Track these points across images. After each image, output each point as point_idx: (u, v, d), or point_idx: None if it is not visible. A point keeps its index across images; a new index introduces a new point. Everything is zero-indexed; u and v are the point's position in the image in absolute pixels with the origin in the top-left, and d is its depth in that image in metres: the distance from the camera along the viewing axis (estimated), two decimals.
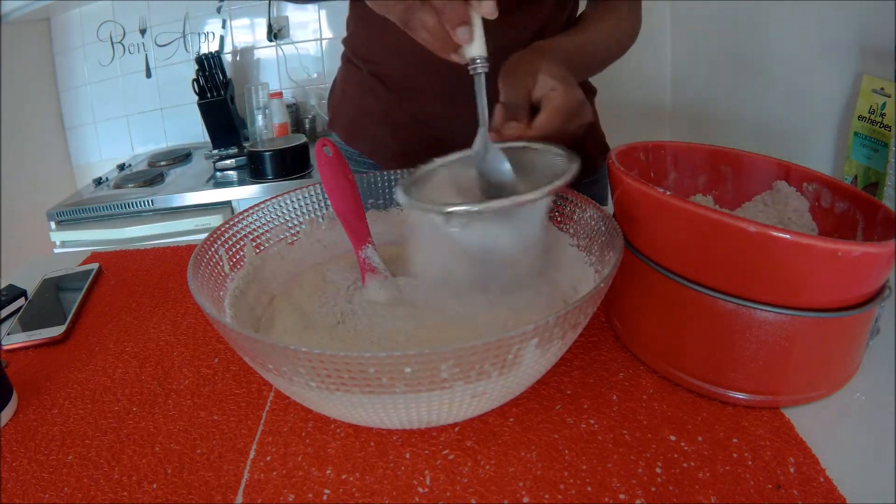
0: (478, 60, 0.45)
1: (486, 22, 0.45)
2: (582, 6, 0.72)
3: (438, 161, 0.49)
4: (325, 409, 0.40)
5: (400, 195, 0.42)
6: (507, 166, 0.45)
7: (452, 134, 0.51)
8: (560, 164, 0.44)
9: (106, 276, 0.72)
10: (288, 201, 0.57)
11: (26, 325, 0.60)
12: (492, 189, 0.45)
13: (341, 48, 0.83)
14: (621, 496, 0.36)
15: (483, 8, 0.43)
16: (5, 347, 0.57)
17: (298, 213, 0.58)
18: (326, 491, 0.38)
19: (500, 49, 0.58)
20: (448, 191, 0.46)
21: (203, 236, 0.49)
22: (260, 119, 1.94)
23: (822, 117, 1.04)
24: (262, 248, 0.55)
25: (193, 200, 1.63)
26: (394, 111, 0.75)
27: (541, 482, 0.38)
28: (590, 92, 0.82)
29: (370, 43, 0.75)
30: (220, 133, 1.91)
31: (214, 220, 1.60)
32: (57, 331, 0.58)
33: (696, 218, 0.40)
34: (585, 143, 0.81)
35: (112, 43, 2.01)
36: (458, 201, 0.41)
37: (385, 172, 0.60)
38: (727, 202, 0.57)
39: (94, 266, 0.72)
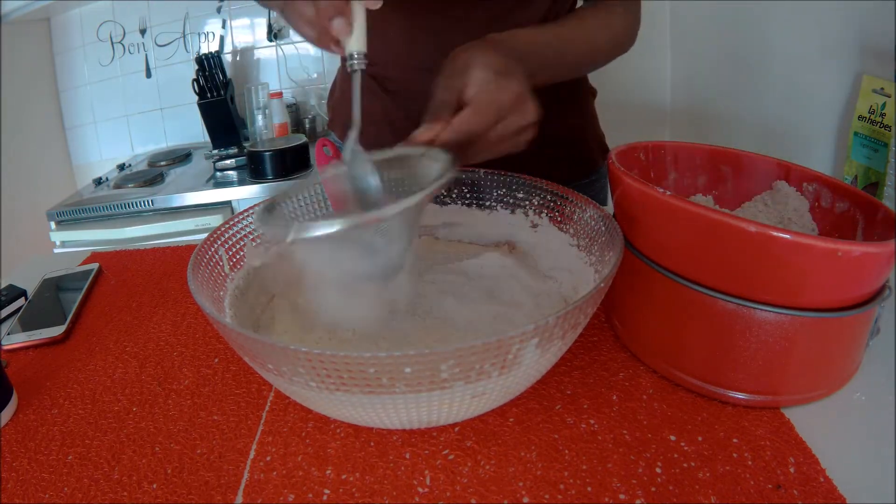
0: (355, 56, 0.42)
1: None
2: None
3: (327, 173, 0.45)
4: (325, 409, 0.40)
5: (258, 218, 0.39)
6: (371, 179, 0.41)
7: None
8: (434, 173, 0.41)
9: (106, 276, 0.72)
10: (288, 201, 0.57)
11: (26, 325, 0.60)
12: (366, 200, 0.43)
13: None
14: (621, 496, 0.36)
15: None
16: (5, 347, 0.57)
17: (298, 213, 0.58)
18: (326, 491, 0.38)
19: None
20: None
21: (203, 236, 0.49)
22: (260, 119, 1.94)
23: (822, 117, 1.04)
24: (261, 248, 0.55)
25: (193, 200, 1.63)
26: (392, 112, 0.75)
27: (541, 482, 0.38)
28: (588, 93, 0.82)
29: (368, 46, 0.75)
30: (220, 133, 1.90)
31: (214, 220, 1.60)
32: (57, 331, 0.58)
33: (696, 218, 0.40)
34: (585, 142, 0.81)
35: (112, 43, 2.01)
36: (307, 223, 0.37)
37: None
38: (727, 202, 0.57)
39: (94, 266, 0.72)
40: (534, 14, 0.68)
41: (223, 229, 0.51)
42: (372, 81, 0.76)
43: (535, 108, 0.47)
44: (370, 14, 0.45)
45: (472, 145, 0.45)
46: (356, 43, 0.42)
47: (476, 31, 0.57)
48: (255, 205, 0.55)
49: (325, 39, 0.44)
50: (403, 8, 0.68)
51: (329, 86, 0.88)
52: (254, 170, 1.66)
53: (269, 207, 0.44)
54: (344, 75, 0.82)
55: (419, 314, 0.49)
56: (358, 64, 0.42)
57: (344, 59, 0.79)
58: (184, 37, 2.01)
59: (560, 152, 0.76)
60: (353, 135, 0.42)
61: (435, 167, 0.42)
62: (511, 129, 0.46)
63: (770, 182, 0.54)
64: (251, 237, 0.54)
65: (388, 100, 0.75)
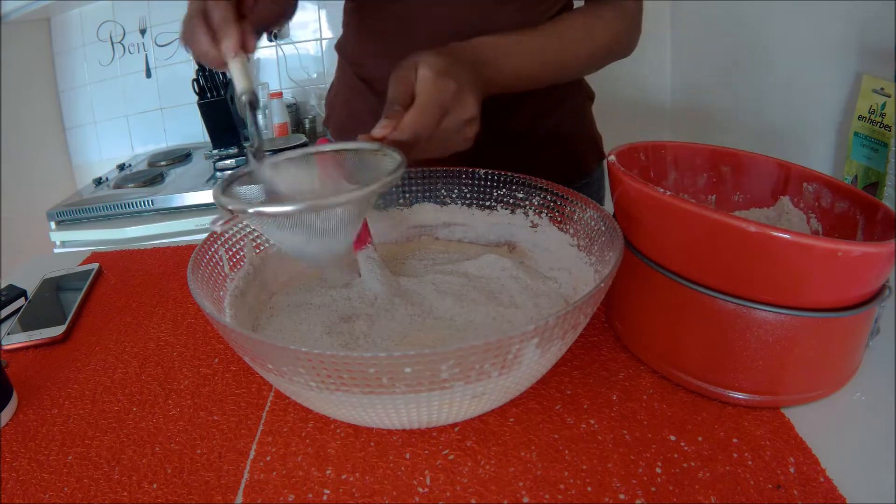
0: (242, 96, 0.47)
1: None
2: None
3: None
4: (325, 409, 0.40)
5: (217, 192, 0.42)
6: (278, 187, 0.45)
7: None
8: (387, 166, 0.44)
9: (106, 276, 0.72)
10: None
11: (26, 325, 0.60)
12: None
13: None
14: (621, 496, 0.36)
15: (230, 55, 0.46)
16: (5, 347, 0.57)
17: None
18: (326, 491, 0.38)
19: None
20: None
21: (203, 236, 0.49)
22: (260, 119, 1.94)
23: (822, 117, 1.04)
24: (262, 248, 0.55)
25: (193, 200, 1.63)
26: (380, 112, 0.75)
27: (541, 482, 0.38)
28: (584, 96, 0.82)
29: (357, 47, 0.76)
30: (220, 133, 1.90)
31: None
32: (57, 331, 0.58)
33: (696, 218, 0.40)
34: (579, 145, 0.81)
35: (112, 43, 2.01)
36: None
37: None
38: (727, 202, 0.57)
39: (94, 266, 0.72)
40: (519, 14, 0.68)
41: (223, 229, 0.51)
42: (360, 82, 0.76)
43: (474, 104, 0.50)
44: (366, 15, 0.46)
45: (419, 142, 0.47)
46: (240, 86, 0.48)
47: (463, 32, 0.57)
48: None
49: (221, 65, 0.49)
50: (391, 9, 0.68)
51: (329, 85, 0.88)
52: None
53: (229, 182, 0.46)
54: (338, 75, 0.82)
55: (419, 314, 0.49)
56: (246, 97, 0.48)
57: (340, 62, 0.80)
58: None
59: (550, 154, 0.76)
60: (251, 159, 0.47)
61: (387, 162, 0.45)
62: (453, 124, 0.49)
63: (770, 187, 0.54)
64: (251, 237, 0.54)
65: (375, 100, 0.75)
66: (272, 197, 0.45)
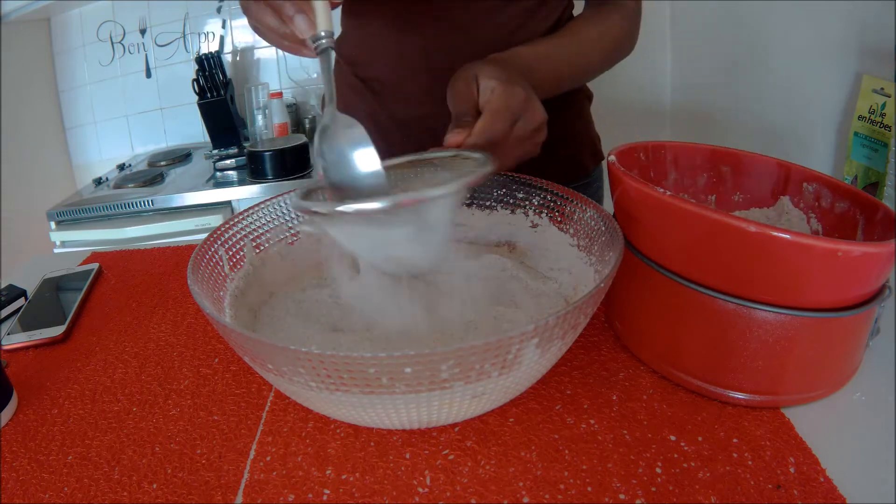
0: (321, 36, 0.42)
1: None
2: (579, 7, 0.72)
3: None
4: (325, 409, 0.40)
5: (294, 199, 0.40)
6: (358, 149, 0.41)
7: (437, 135, 0.50)
8: (472, 167, 0.43)
9: (106, 276, 0.72)
10: (288, 201, 0.57)
11: (26, 325, 0.60)
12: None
13: None
14: (621, 496, 0.36)
15: None
16: (5, 347, 0.57)
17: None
18: (326, 491, 0.38)
19: (478, 51, 0.58)
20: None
21: (203, 236, 0.49)
22: (260, 119, 1.94)
23: (822, 117, 1.04)
24: (262, 248, 0.55)
25: (193, 200, 1.63)
26: (378, 113, 0.75)
27: (541, 482, 0.38)
28: (583, 97, 0.82)
29: (355, 47, 0.76)
30: (220, 133, 1.90)
31: (214, 220, 1.60)
32: (57, 331, 0.58)
33: (696, 218, 0.40)
34: (577, 146, 0.81)
35: (112, 43, 2.01)
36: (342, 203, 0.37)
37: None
38: (727, 202, 0.57)
39: (94, 266, 0.72)
40: (520, 16, 0.68)
41: (223, 229, 0.51)
42: (358, 82, 0.76)
43: (542, 109, 0.51)
44: (363, 15, 0.45)
45: (494, 150, 0.47)
46: (321, 23, 0.43)
47: (461, 32, 0.57)
48: (255, 205, 0.55)
49: (295, 46, 0.45)
50: (390, 8, 0.68)
51: None
52: (254, 170, 1.66)
53: (307, 193, 0.44)
54: (338, 74, 0.82)
55: (420, 314, 0.49)
56: (326, 43, 0.43)
57: (338, 62, 0.80)
58: (184, 37, 2.01)
59: (548, 154, 0.76)
60: (331, 108, 0.42)
61: (469, 163, 0.44)
62: (526, 130, 0.50)
63: (770, 187, 0.54)
64: (251, 237, 0.54)
65: (373, 100, 0.75)
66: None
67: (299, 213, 0.39)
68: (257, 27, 0.48)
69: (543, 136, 0.52)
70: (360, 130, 0.42)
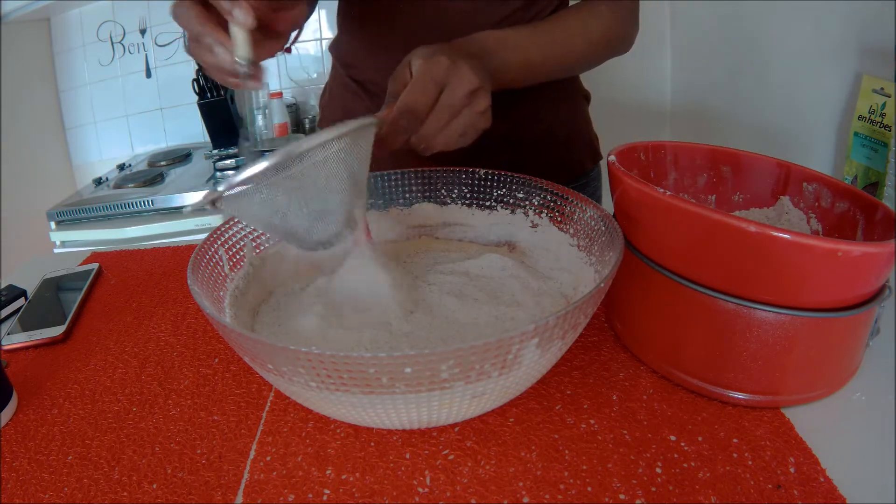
0: (240, 63, 0.44)
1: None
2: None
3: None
4: (325, 409, 0.40)
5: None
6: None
7: None
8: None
9: (106, 276, 0.72)
10: None
11: (26, 325, 0.60)
12: None
13: None
14: (621, 496, 0.36)
15: (237, 18, 0.42)
16: (5, 347, 0.57)
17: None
18: (326, 491, 0.38)
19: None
20: None
21: (203, 236, 0.49)
22: (260, 119, 1.94)
23: (822, 117, 1.04)
24: (262, 248, 0.55)
25: (193, 200, 1.63)
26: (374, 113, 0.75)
27: (541, 482, 0.38)
28: (580, 96, 0.82)
29: (351, 49, 0.76)
30: (220, 133, 1.90)
31: (214, 220, 1.60)
32: (57, 331, 0.58)
33: (696, 218, 0.40)
34: (575, 146, 0.81)
35: (112, 43, 2.01)
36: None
37: (384, 173, 0.60)
38: (727, 202, 0.57)
39: (94, 266, 0.72)
40: (514, 14, 0.68)
41: (223, 229, 0.51)
42: (354, 84, 0.76)
43: (472, 74, 0.48)
44: (358, 17, 0.45)
45: (423, 120, 0.47)
46: (240, 52, 0.44)
47: (456, 32, 0.57)
48: None
49: (230, 78, 0.46)
50: (384, 11, 0.68)
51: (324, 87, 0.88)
52: None
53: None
54: (332, 76, 0.83)
55: (420, 315, 0.49)
56: (242, 68, 0.44)
57: (333, 64, 0.80)
58: (184, 37, 2.00)
59: (546, 154, 0.76)
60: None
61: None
62: (457, 96, 0.48)
63: (770, 187, 0.54)
64: (251, 237, 0.54)
65: (369, 102, 0.75)
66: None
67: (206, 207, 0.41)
68: (199, 62, 0.48)
69: (484, 104, 0.50)
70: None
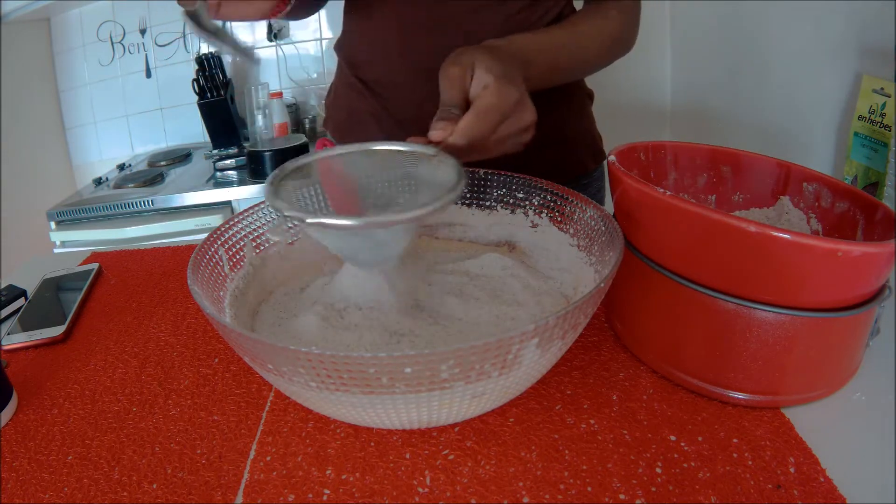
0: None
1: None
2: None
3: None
4: (325, 409, 0.40)
5: (268, 193, 0.42)
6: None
7: None
8: (447, 181, 0.43)
9: (106, 276, 0.72)
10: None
11: (26, 325, 0.60)
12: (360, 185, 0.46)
13: None
14: (621, 496, 0.36)
15: None
16: (5, 347, 0.57)
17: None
18: (326, 491, 0.38)
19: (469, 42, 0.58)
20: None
21: (203, 236, 0.49)
22: (260, 119, 1.94)
23: (822, 117, 1.04)
24: (262, 248, 0.55)
25: (193, 200, 1.63)
26: (381, 114, 0.75)
27: (541, 482, 0.38)
28: (584, 95, 0.82)
29: (356, 48, 0.76)
30: (220, 133, 1.91)
31: (214, 220, 1.60)
32: (57, 331, 0.58)
33: (696, 218, 0.40)
34: (578, 145, 0.81)
35: (112, 43, 2.01)
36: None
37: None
38: (727, 202, 0.57)
39: (94, 266, 0.72)
40: (519, 15, 0.68)
41: (223, 229, 0.51)
42: (360, 84, 0.76)
43: (533, 111, 0.50)
44: (364, 17, 0.46)
45: (475, 147, 0.47)
46: None
47: (461, 33, 0.57)
48: (255, 205, 0.55)
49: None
50: (389, 11, 0.68)
51: (328, 86, 0.88)
52: (254, 170, 1.66)
53: (280, 178, 0.45)
54: (338, 76, 0.83)
55: (421, 314, 0.49)
56: (188, 6, 0.45)
57: (339, 63, 0.80)
58: (184, 37, 2.01)
59: (549, 153, 0.76)
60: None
61: (443, 171, 0.44)
62: (510, 130, 0.49)
63: (770, 187, 0.54)
64: (251, 237, 0.54)
65: (374, 101, 0.75)
66: (328, 190, 0.45)
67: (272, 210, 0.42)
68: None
69: (530, 136, 0.51)
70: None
